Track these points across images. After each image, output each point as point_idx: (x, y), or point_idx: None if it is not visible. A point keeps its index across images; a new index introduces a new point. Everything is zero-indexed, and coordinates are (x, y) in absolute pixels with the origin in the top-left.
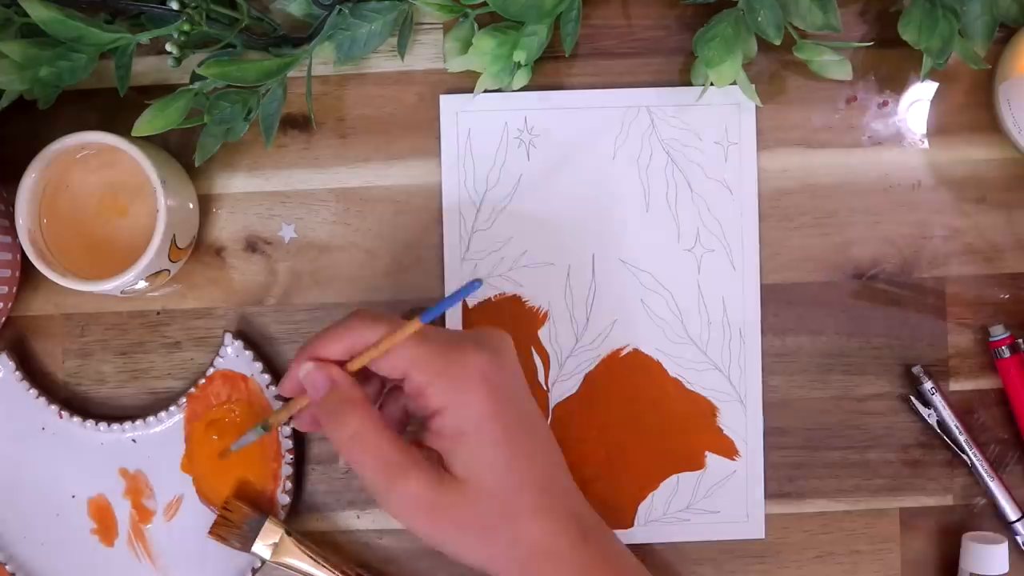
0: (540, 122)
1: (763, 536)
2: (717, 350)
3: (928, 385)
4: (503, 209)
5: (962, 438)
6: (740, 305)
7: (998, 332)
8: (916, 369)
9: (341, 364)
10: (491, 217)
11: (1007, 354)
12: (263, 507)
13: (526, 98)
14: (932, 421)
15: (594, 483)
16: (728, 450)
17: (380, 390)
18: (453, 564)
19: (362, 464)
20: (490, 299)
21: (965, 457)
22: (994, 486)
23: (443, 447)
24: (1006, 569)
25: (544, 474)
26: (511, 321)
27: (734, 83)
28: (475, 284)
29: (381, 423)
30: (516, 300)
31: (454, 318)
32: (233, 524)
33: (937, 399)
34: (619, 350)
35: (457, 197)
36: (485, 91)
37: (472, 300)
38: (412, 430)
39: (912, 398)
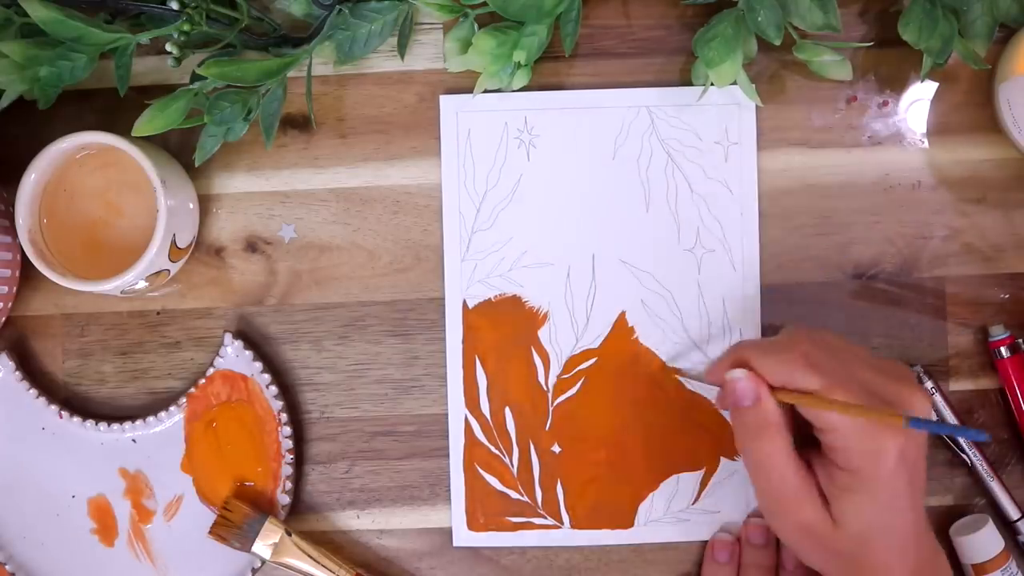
0: (540, 122)
1: None
2: (717, 350)
3: (928, 385)
4: (503, 209)
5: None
6: (740, 305)
7: (998, 332)
8: (916, 369)
9: (771, 387)
10: (491, 217)
11: (1007, 354)
12: (263, 507)
13: (526, 98)
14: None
15: (594, 483)
16: (728, 450)
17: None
18: (453, 564)
19: (762, 485)
20: (490, 299)
21: (965, 457)
22: (994, 486)
23: (829, 489)
24: (1001, 544)
25: (906, 520)
26: (511, 322)
27: (734, 83)
28: (981, 435)
29: (790, 452)
30: (516, 300)
31: (453, 318)
32: (233, 524)
33: (937, 399)
34: (619, 351)
35: (457, 197)
36: (485, 91)
37: (473, 301)
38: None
39: None
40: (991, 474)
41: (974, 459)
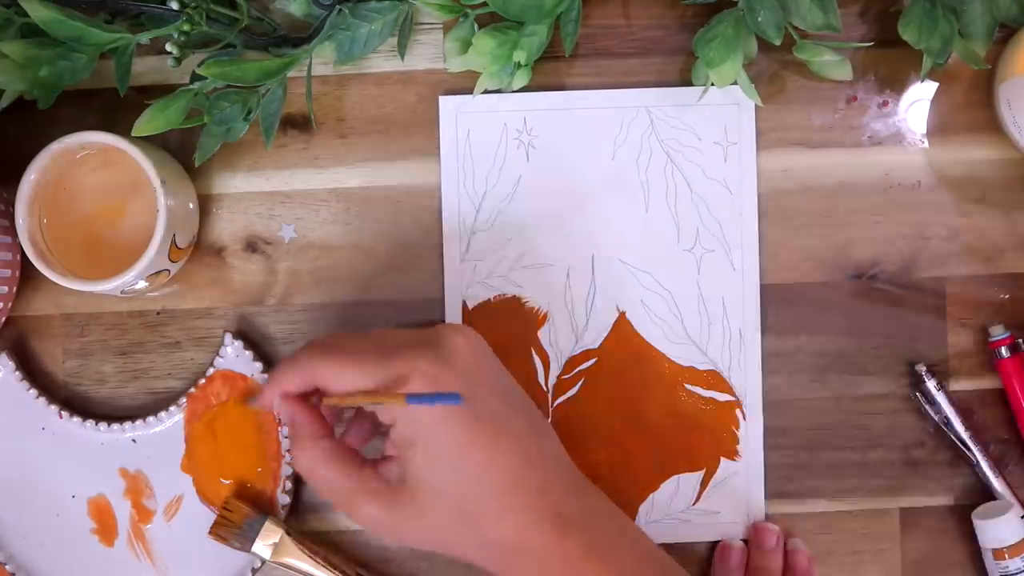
0: (539, 123)
1: None
2: (717, 350)
3: (932, 383)
4: (502, 210)
5: (966, 435)
6: (740, 305)
7: (997, 332)
8: (919, 367)
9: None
10: (490, 218)
11: (1007, 354)
12: (263, 507)
13: (525, 99)
14: (937, 419)
15: (595, 484)
16: (728, 450)
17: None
18: (452, 565)
19: (319, 491)
20: (489, 300)
21: (970, 455)
22: (998, 484)
23: (398, 459)
24: (1022, 531)
25: (508, 472)
26: (511, 322)
27: (734, 83)
28: (454, 397)
29: (331, 454)
30: (516, 301)
31: (453, 319)
32: (233, 524)
33: (941, 397)
34: (619, 351)
35: (457, 198)
36: (485, 91)
37: (472, 302)
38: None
39: (917, 395)
40: (996, 472)
41: (978, 457)
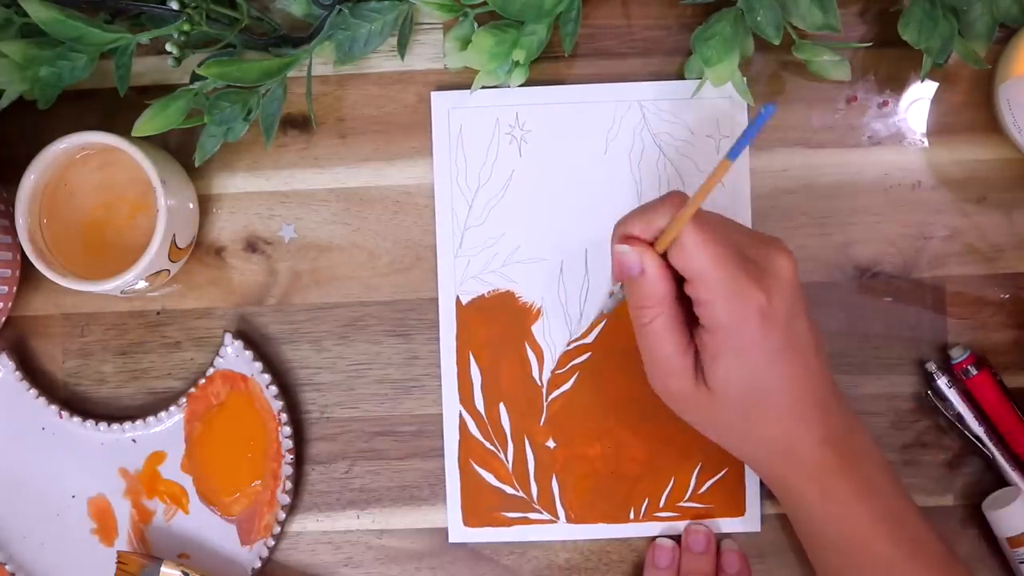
0: (531, 117)
1: (759, 529)
2: None
3: (943, 380)
4: (495, 205)
5: (980, 430)
6: None
7: (958, 354)
8: (929, 366)
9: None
10: (484, 213)
11: (974, 372)
12: (263, 506)
13: (517, 94)
14: (950, 416)
15: (589, 478)
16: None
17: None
18: (454, 564)
19: (644, 350)
20: (483, 295)
21: (985, 450)
22: (1015, 477)
23: (704, 355)
24: None
25: (794, 386)
26: (504, 317)
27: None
28: (769, 108)
29: (672, 324)
30: (509, 296)
31: (447, 315)
32: (131, 575)
33: (953, 394)
34: (613, 345)
35: (449, 193)
36: (483, 88)
37: (466, 296)
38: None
39: (929, 393)
40: (1013, 465)
41: (994, 451)
